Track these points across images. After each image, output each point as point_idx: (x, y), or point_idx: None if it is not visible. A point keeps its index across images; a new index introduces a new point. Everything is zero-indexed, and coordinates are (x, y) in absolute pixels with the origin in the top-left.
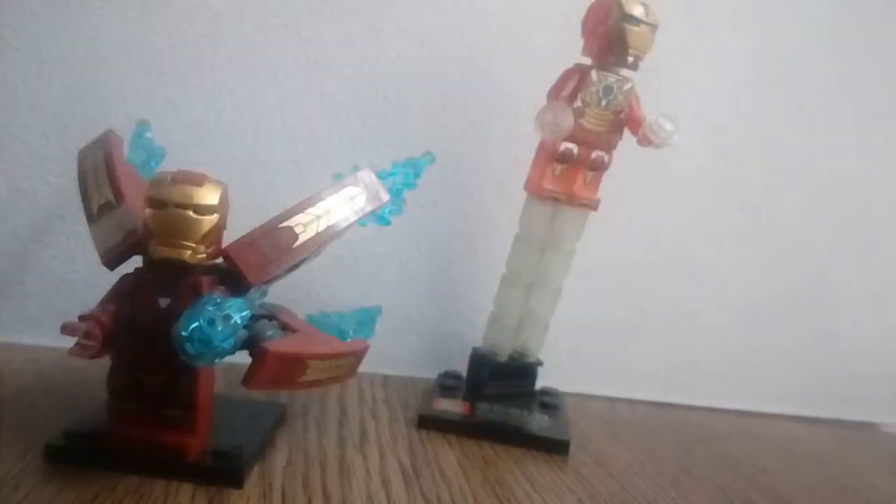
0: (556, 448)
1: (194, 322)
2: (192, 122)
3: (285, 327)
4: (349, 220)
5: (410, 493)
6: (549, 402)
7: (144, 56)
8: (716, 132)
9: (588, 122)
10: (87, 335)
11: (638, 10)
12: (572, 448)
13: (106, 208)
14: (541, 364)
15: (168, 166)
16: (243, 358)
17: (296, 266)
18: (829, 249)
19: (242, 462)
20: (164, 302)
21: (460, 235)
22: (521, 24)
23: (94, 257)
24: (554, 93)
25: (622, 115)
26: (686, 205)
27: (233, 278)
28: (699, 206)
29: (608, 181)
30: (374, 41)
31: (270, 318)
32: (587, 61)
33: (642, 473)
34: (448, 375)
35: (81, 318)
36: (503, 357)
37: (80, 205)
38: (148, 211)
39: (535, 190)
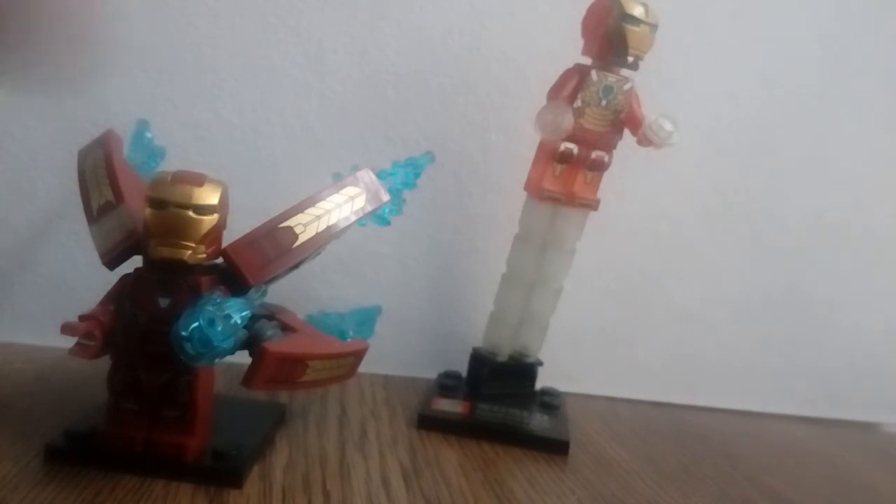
0: (556, 448)
1: (194, 322)
2: (192, 122)
3: (285, 327)
4: (349, 220)
5: (410, 493)
6: (549, 402)
7: (144, 56)
8: (716, 132)
9: (588, 122)
10: (87, 335)
11: (638, 10)
12: (572, 448)
13: (106, 208)
14: (541, 364)
15: (168, 166)
16: (243, 358)
17: (296, 266)
18: (829, 249)
19: (242, 462)
20: (164, 302)
21: (460, 235)
22: (521, 24)
23: (94, 257)
24: (554, 93)
25: (622, 115)
26: (686, 205)
27: (233, 278)
28: (699, 206)
29: (608, 181)
30: (374, 41)
31: (270, 318)
32: (587, 61)
33: (642, 473)
34: (448, 375)
35: (81, 318)
36: (503, 357)
37: (80, 205)
38: (148, 211)
39: (535, 190)
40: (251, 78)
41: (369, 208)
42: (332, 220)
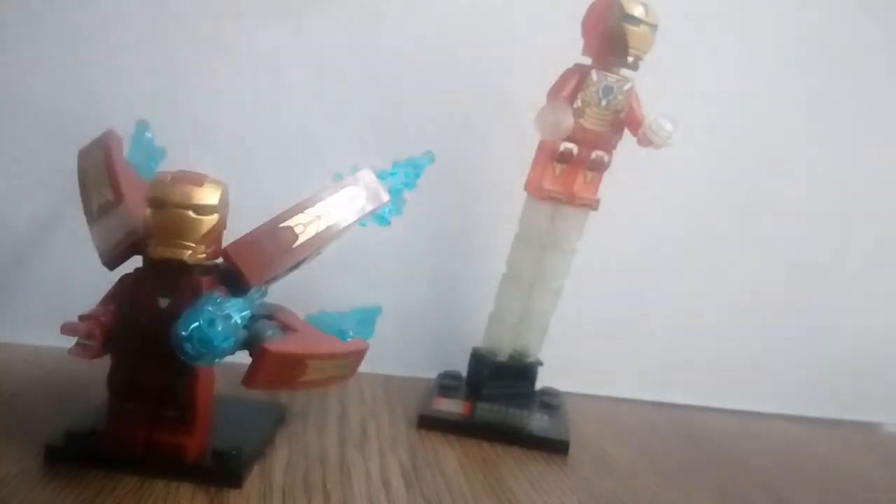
0: (556, 448)
1: (194, 322)
2: (192, 122)
3: (285, 327)
4: (349, 220)
5: (410, 493)
6: (549, 402)
7: (144, 56)
8: (716, 132)
9: (588, 122)
10: (87, 335)
11: (638, 10)
12: (572, 448)
13: (106, 208)
14: (541, 364)
15: (168, 166)
16: (243, 358)
17: (296, 266)
18: (829, 249)
19: (241, 462)
20: (164, 302)
21: (460, 235)
22: (521, 24)
23: (94, 257)
24: (554, 93)
25: (622, 115)
26: (686, 205)
27: (233, 278)
28: (699, 206)
29: (608, 181)
30: (375, 40)
31: (270, 318)
32: (587, 61)
33: (642, 473)
34: (448, 375)
35: (81, 318)
36: (503, 357)
37: (80, 205)
38: (148, 211)
39: (535, 190)
40: (251, 78)
41: (369, 208)
42: (332, 220)
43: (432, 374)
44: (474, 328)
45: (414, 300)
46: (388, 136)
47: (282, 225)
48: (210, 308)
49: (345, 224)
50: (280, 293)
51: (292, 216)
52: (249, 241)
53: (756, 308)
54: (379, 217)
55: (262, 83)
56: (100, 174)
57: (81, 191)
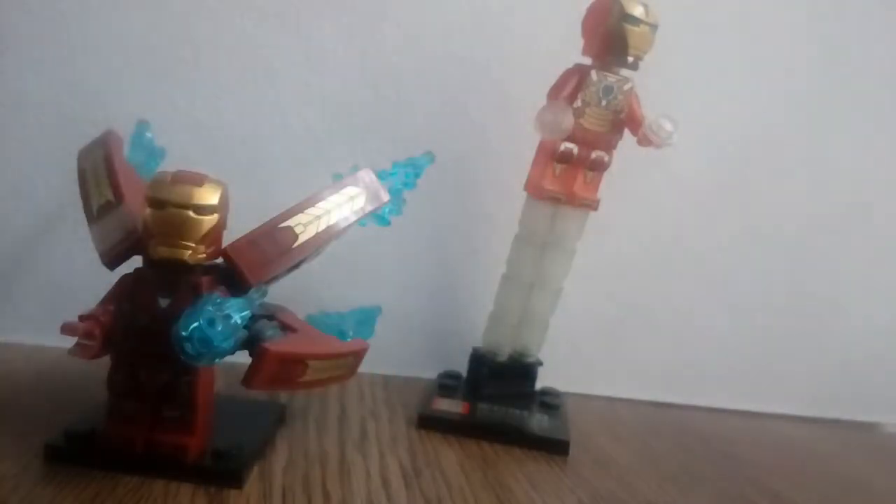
0: (556, 448)
1: (194, 322)
2: (192, 122)
3: (285, 327)
4: (349, 220)
5: (410, 493)
6: (549, 402)
7: (144, 56)
8: (716, 132)
9: (588, 122)
10: (86, 335)
11: (638, 10)
12: (572, 448)
13: (106, 208)
14: (541, 364)
15: (168, 166)
16: (243, 358)
17: (296, 266)
18: (829, 249)
19: (242, 462)
20: (163, 302)
21: (460, 235)
22: (522, 24)
23: (94, 257)
24: (554, 93)
25: (622, 115)
26: (686, 205)
27: (233, 278)
28: (699, 206)
29: (608, 181)
30: (375, 41)
31: (270, 318)
32: (587, 61)
33: (642, 473)
34: (448, 375)
35: (81, 318)
36: (503, 357)
37: (80, 205)
38: (147, 211)
39: (535, 190)
40: (251, 78)
41: (369, 208)
42: (332, 220)
43: (432, 374)
44: (474, 328)
45: (414, 300)
46: (388, 136)
47: (282, 225)
48: (210, 308)
49: (345, 224)
50: (280, 293)
51: (292, 216)
52: (249, 241)
53: (756, 308)
54: (379, 217)
55: (262, 83)
56: (100, 174)
57: (81, 191)
